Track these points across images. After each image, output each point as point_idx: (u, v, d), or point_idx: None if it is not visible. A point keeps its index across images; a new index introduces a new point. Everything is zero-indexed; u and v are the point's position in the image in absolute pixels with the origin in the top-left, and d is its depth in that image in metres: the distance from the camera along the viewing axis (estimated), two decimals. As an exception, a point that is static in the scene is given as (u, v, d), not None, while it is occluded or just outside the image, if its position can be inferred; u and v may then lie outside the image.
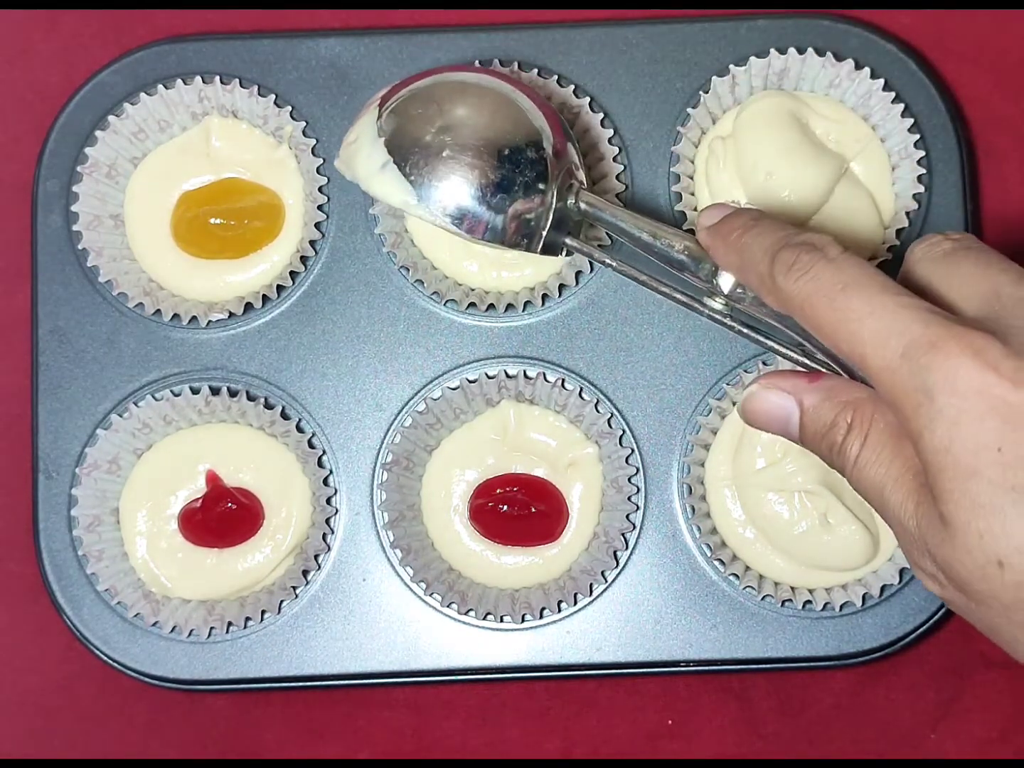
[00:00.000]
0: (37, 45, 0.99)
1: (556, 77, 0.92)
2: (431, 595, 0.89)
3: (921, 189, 0.91)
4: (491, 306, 0.91)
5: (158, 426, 0.91)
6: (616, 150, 0.92)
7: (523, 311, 0.92)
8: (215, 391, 0.91)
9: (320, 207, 0.92)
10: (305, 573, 0.90)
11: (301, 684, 0.90)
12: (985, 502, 0.56)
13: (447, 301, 0.91)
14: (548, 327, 0.92)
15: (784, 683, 0.93)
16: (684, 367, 0.91)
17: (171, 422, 0.91)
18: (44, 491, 0.90)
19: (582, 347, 0.91)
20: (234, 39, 0.94)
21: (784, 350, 0.69)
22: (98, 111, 0.93)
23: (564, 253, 0.77)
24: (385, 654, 0.89)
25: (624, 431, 0.90)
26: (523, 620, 0.89)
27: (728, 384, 0.90)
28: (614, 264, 0.75)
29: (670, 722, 0.93)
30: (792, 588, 0.89)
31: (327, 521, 0.90)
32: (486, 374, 0.91)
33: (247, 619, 0.89)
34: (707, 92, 0.92)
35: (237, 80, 0.93)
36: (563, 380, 0.91)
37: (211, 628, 0.89)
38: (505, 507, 0.89)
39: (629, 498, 0.90)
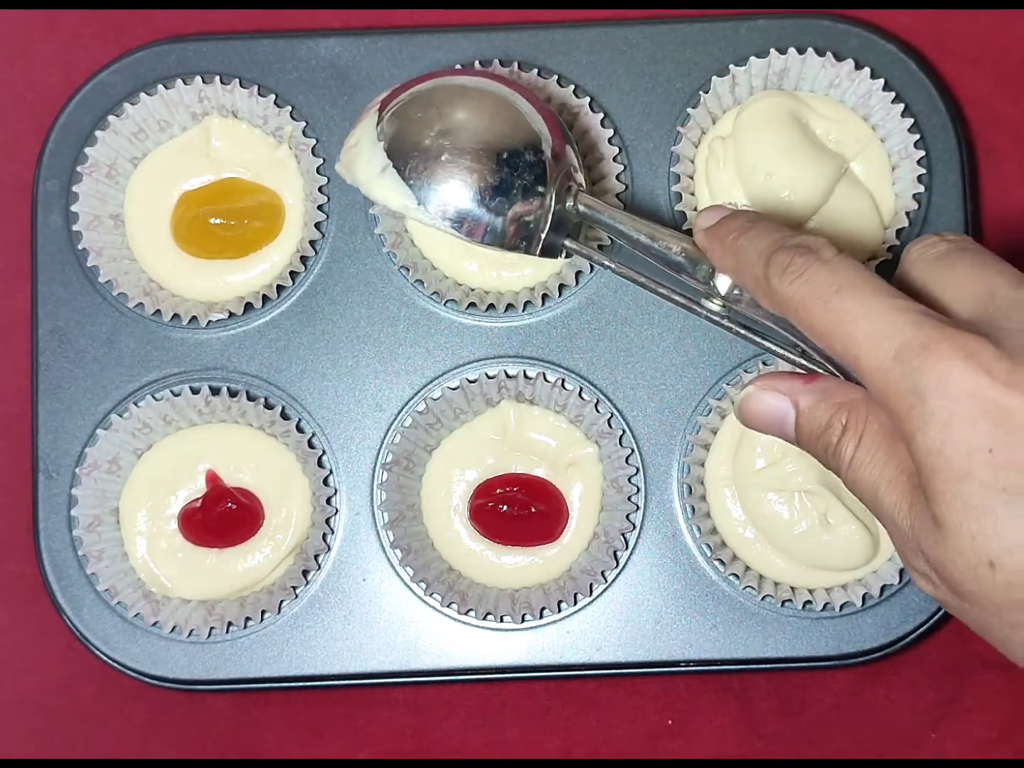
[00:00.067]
0: (37, 45, 0.99)
1: (556, 77, 0.92)
2: (431, 595, 0.89)
3: (921, 189, 0.91)
4: (491, 306, 0.91)
5: (158, 426, 0.91)
6: (616, 150, 0.92)
7: (523, 311, 0.92)
8: (215, 391, 0.91)
9: (320, 207, 0.92)
10: (305, 573, 0.90)
11: (301, 684, 0.90)
12: (977, 503, 0.56)
13: (447, 301, 0.91)
14: (548, 327, 0.92)
15: (784, 683, 0.93)
16: (684, 367, 0.91)
17: (171, 422, 0.91)
18: (44, 491, 0.90)
19: (582, 347, 0.91)
20: (234, 39, 0.95)
21: (781, 351, 0.69)
22: (98, 111, 0.93)
23: (563, 255, 0.77)
24: (385, 654, 0.89)
25: (624, 431, 0.90)
26: (523, 620, 0.89)
27: (728, 384, 0.90)
28: (613, 266, 0.76)
29: (670, 722, 0.93)
30: (792, 588, 0.89)
31: (327, 521, 0.90)
32: (486, 374, 0.91)
33: (247, 619, 0.89)
34: (707, 92, 0.92)
35: (237, 80, 0.93)
36: (563, 380, 0.91)
37: (211, 628, 0.89)
38: (505, 507, 0.89)
39: (629, 498, 0.90)
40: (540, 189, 0.75)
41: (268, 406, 0.91)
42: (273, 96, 0.93)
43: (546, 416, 0.92)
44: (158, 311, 0.91)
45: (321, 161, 0.92)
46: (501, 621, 0.89)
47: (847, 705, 0.93)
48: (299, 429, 0.91)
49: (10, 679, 0.94)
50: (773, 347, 0.69)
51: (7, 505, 0.94)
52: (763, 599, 0.88)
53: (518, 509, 0.89)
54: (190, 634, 0.89)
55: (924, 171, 0.91)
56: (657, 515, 0.90)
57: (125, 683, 0.91)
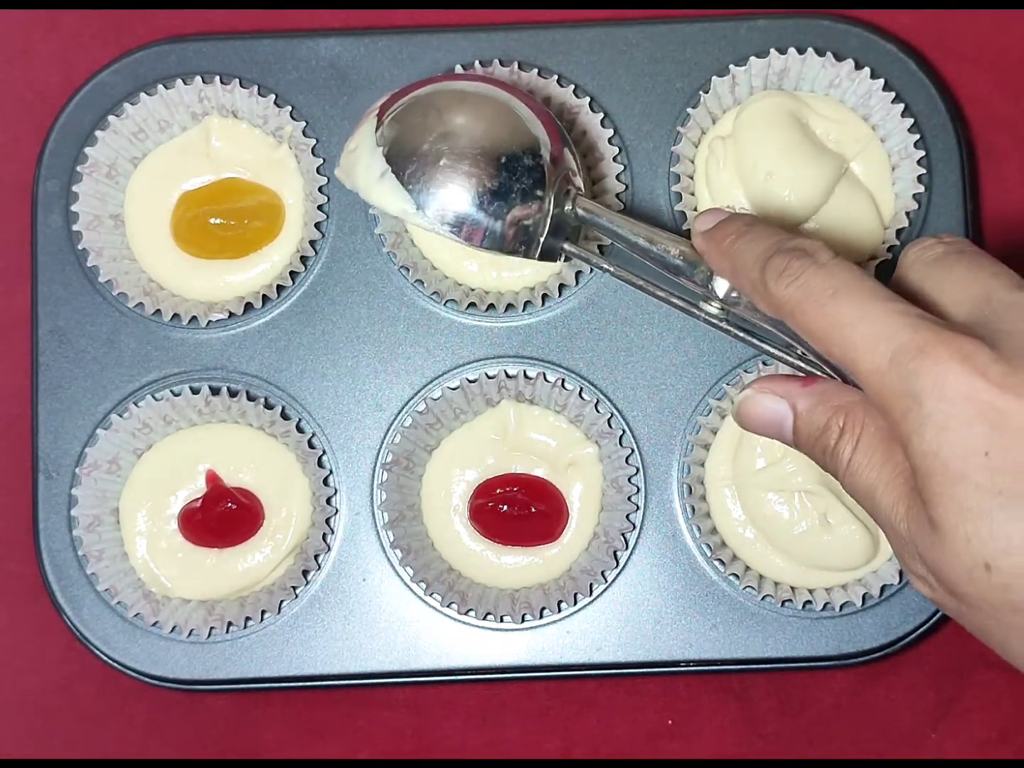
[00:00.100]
0: (37, 45, 0.99)
1: (556, 77, 0.92)
2: (431, 595, 0.89)
3: (921, 189, 0.91)
4: (491, 306, 0.91)
5: (158, 426, 0.91)
6: (616, 150, 0.92)
7: (523, 311, 0.92)
8: (215, 391, 0.91)
9: (320, 207, 0.92)
10: (305, 573, 0.90)
11: (301, 684, 0.90)
12: (972, 506, 0.56)
13: (447, 301, 0.91)
14: (548, 327, 0.92)
15: (784, 683, 0.93)
16: (684, 367, 0.91)
17: (171, 422, 0.91)
18: (44, 491, 0.90)
19: (582, 347, 0.91)
20: (234, 39, 0.94)
21: (779, 354, 0.69)
22: (98, 111, 0.93)
23: (562, 258, 0.78)
24: (385, 654, 0.89)
25: (624, 431, 0.90)
26: (523, 620, 0.89)
27: (728, 384, 0.90)
28: (612, 269, 0.76)
29: (670, 722, 0.93)
30: (792, 588, 0.89)
31: (327, 521, 0.90)
32: (486, 374, 0.91)
33: (247, 619, 0.89)
34: (707, 92, 0.92)
35: (237, 80, 0.93)
36: (563, 380, 0.91)
37: (211, 628, 0.89)
38: (505, 507, 0.89)
39: (629, 498, 0.90)
40: (539, 193, 0.75)
41: (268, 406, 0.91)
42: (273, 96, 0.93)
43: (546, 416, 0.92)
44: (158, 311, 0.91)
45: (321, 161, 0.92)
46: (501, 621, 0.89)
47: (847, 705, 0.93)
48: (299, 429, 0.91)
49: (10, 679, 0.94)
50: (771, 350, 0.70)
51: (7, 505, 0.94)
52: (763, 599, 0.88)
53: (518, 509, 0.89)
54: (190, 634, 0.89)
55: (924, 171, 0.91)
56: (657, 515, 0.90)
57: (125, 683, 0.91)
